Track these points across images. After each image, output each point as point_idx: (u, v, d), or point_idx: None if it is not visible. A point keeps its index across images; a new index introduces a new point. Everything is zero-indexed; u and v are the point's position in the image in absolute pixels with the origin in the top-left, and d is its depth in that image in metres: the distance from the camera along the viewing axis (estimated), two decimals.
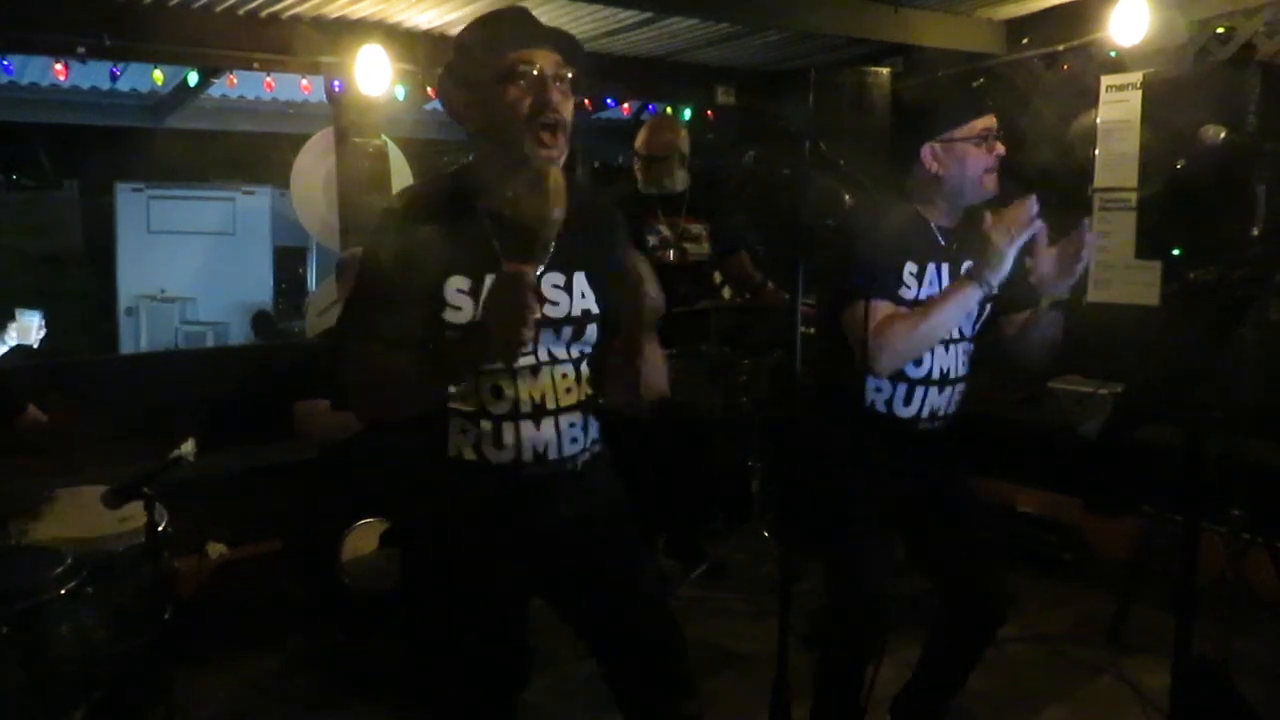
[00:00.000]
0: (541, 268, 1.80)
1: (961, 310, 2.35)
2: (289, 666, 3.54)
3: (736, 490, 4.59)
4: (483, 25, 1.83)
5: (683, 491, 4.36)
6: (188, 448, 2.73)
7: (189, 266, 8.44)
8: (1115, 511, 4.23)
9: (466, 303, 1.78)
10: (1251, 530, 3.33)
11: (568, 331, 1.88)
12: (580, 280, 1.89)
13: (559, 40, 1.82)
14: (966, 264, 2.44)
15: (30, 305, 3.50)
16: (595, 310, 1.91)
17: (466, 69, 1.82)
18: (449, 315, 1.78)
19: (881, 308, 2.32)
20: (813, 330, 2.69)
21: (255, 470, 4.00)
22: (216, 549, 3.68)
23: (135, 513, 2.83)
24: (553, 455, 1.89)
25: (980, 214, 2.44)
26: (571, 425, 1.91)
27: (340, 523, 3.35)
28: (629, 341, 1.85)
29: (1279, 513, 3.38)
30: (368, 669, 3.36)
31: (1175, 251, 2.85)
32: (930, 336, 2.36)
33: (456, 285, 1.79)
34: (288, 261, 8.96)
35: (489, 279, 1.74)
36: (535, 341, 1.83)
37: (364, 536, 3.34)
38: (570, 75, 1.81)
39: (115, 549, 2.93)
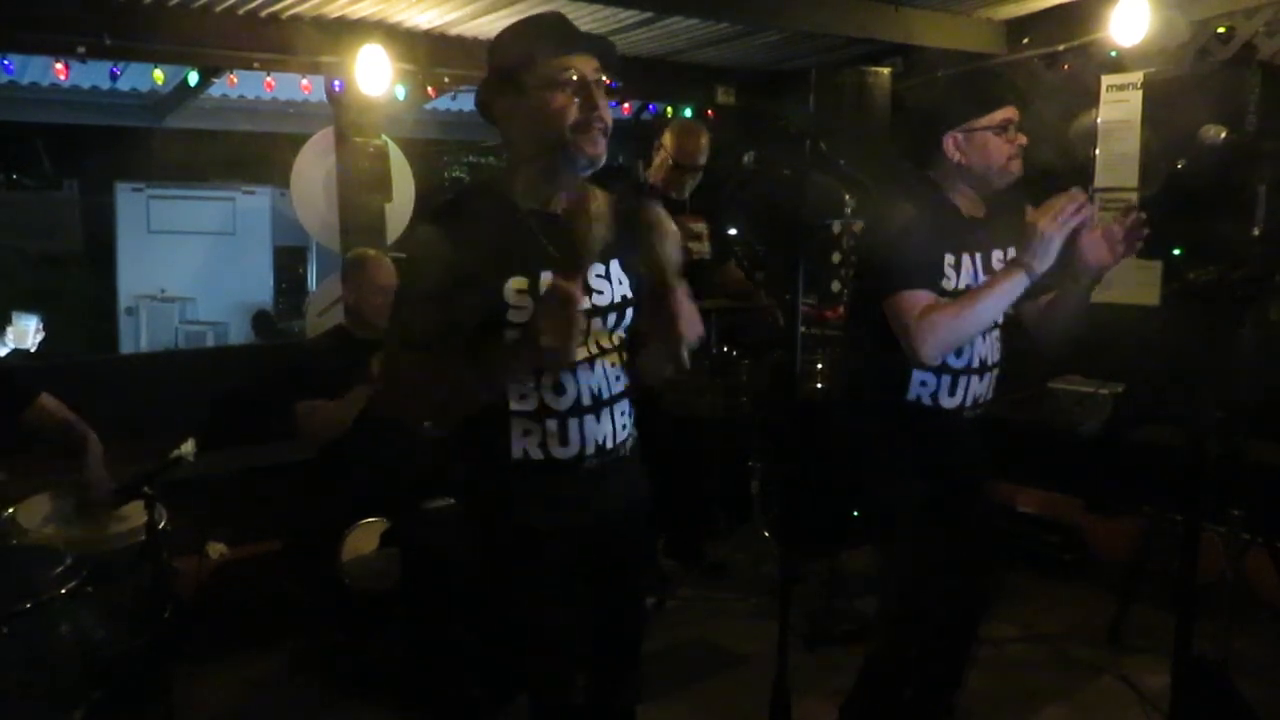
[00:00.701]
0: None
1: (1008, 299, 2.35)
2: (289, 666, 3.54)
3: (736, 490, 4.59)
4: (522, 31, 1.86)
5: (683, 491, 4.36)
6: (188, 448, 2.73)
7: (189, 266, 8.43)
8: (1115, 511, 4.23)
9: (528, 302, 1.83)
10: (1251, 530, 3.33)
11: (613, 319, 1.93)
12: (615, 267, 1.95)
13: (597, 45, 1.85)
14: (996, 253, 2.46)
15: (30, 305, 3.49)
16: (631, 294, 1.97)
17: (506, 75, 1.84)
18: (513, 316, 1.82)
19: (924, 297, 2.33)
20: (813, 330, 2.69)
21: (255, 470, 4.00)
22: (216, 549, 3.68)
23: (135, 512, 2.84)
24: (609, 445, 1.95)
25: (1010, 204, 2.46)
26: (622, 413, 1.98)
27: (340, 523, 3.35)
28: (659, 290, 1.85)
29: (1279, 513, 3.38)
30: (368, 669, 3.36)
31: (1175, 251, 2.85)
32: (976, 325, 2.36)
33: (516, 286, 1.83)
34: (288, 261, 8.96)
35: (544, 276, 1.82)
36: (587, 333, 1.87)
37: (364, 536, 3.34)
38: (606, 79, 1.84)
39: (116, 548, 2.93)
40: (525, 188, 1.89)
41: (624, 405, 1.98)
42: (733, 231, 4.95)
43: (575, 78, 1.80)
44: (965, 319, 2.33)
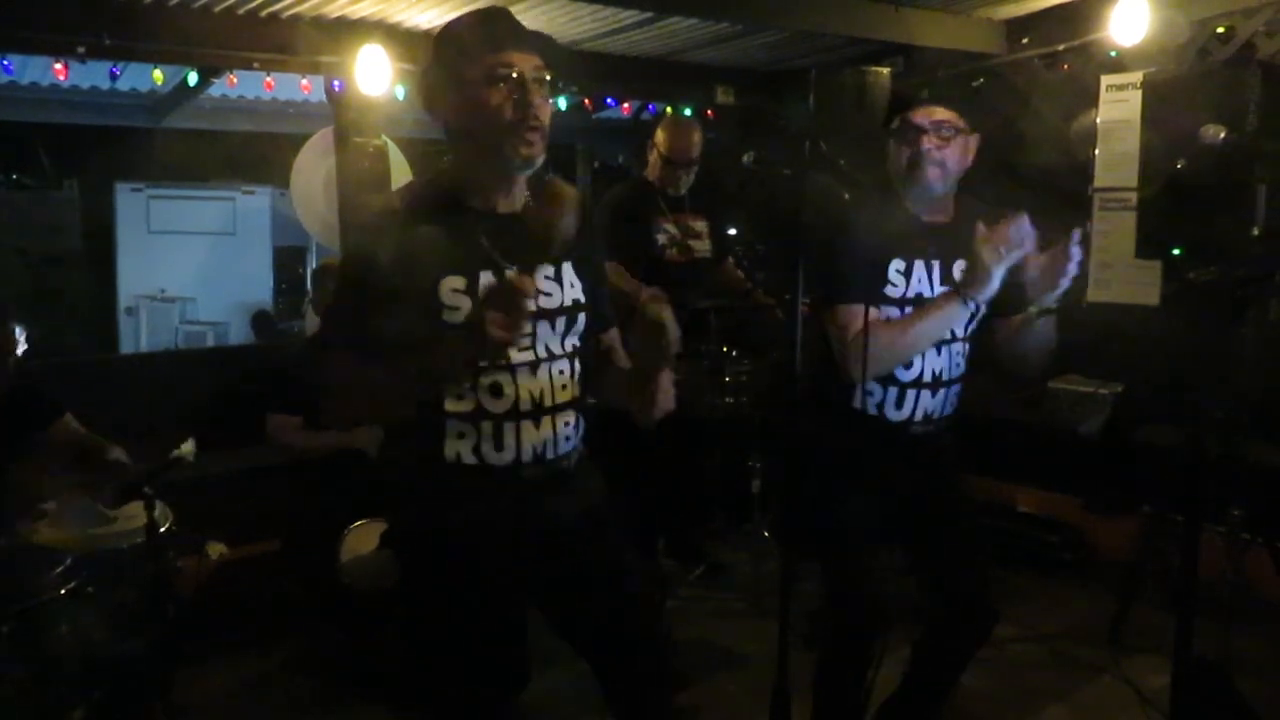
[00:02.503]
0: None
1: (945, 325, 2.33)
2: (289, 666, 3.54)
3: (736, 490, 4.59)
4: (461, 27, 1.83)
5: (683, 491, 4.36)
6: (187, 448, 2.73)
7: (189, 266, 8.43)
8: (1115, 511, 4.23)
9: (464, 302, 1.78)
10: (1251, 530, 3.33)
11: (562, 323, 1.89)
12: (568, 270, 1.91)
13: (538, 42, 1.82)
14: (959, 264, 2.41)
15: (30, 305, 3.49)
16: (584, 300, 1.93)
17: (446, 71, 1.82)
18: (447, 316, 1.78)
19: (859, 313, 2.27)
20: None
21: (255, 470, 4.00)
22: (216, 549, 3.68)
23: (137, 512, 2.84)
24: (549, 455, 1.90)
25: (972, 213, 2.42)
26: (566, 424, 1.92)
27: (340, 523, 3.35)
28: (648, 374, 1.83)
29: (1279, 513, 3.38)
30: (368, 669, 3.36)
31: (1175, 251, 2.85)
32: (911, 348, 2.34)
33: (452, 285, 1.79)
34: (288, 261, 8.96)
35: (483, 277, 1.78)
36: (533, 336, 1.84)
37: (364, 536, 3.34)
38: (548, 77, 1.81)
39: (118, 547, 2.93)
40: (468, 185, 1.87)
41: (569, 415, 1.92)
42: (733, 231, 4.95)
43: (512, 75, 1.77)
44: (897, 344, 2.31)
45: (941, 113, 2.36)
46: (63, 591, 2.59)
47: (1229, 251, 2.64)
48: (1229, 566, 3.25)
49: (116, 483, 2.89)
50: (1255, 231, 2.83)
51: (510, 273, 1.64)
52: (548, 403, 1.88)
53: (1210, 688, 2.56)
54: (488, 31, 1.79)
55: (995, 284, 2.25)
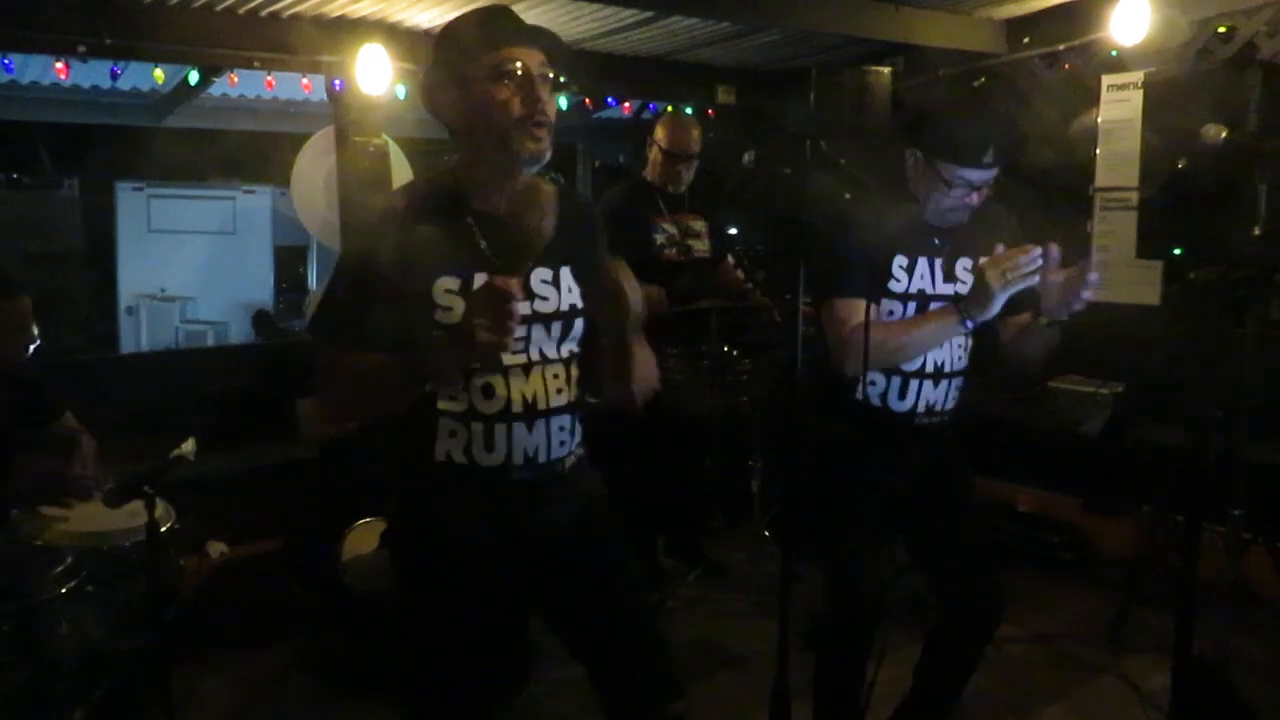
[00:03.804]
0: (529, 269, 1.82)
1: (940, 337, 2.34)
2: (289, 666, 3.54)
3: (736, 490, 4.59)
4: (464, 24, 1.82)
5: (683, 491, 4.36)
6: (188, 447, 2.73)
7: (189, 266, 8.43)
8: (1115, 511, 4.23)
9: (457, 303, 1.77)
10: (1251, 530, 3.33)
11: (557, 328, 1.88)
12: (566, 275, 1.89)
13: (542, 38, 1.82)
14: (964, 261, 2.42)
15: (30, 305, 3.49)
16: (581, 305, 1.91)
17: (450, 68, 1.81)
18: (440, 316, 1.77)
19: (858, 308, 2.27)
20: (812, 329, 2.67)
21: (255, 470, 4.00)
22: (216, 548, 3.69)
23: (138, 512, 2.84)
24: (542, 459, 1.89)
25: (993, 217, 2.43)
26: (561, 428, 1.91)
27: (340, 523, 3.35)
28: (617, 347, 1.83)
29: (1279, 513, 3.38)
30: (368, 669, 3.36)
31: (1176, 251, 2.85)
32: (903, 353, 2.35)
33: (445, 286, 1.78)
34: (288, 261, 8.96)
35: (478, 278, 1.77)
36: (527, 340, 1.84)
37: (364, 536, 3.34)
38: (552, 74, 1.81)
39: (120, 545, 2.93)
40: (471, 184, 1.85)
41: (564, 420, 1.91)
42: (733, 231, 4.95)
43: (519, 71, 1.76)
44: (891, 348, 2.31)
45: (990, 175, 2.36)
46: (63, 591, 2.59)
47: (1229, 251, 2.64)
48: (1229, 566, 3.24)
49: (114, 482, 2.89)
50: (1255, 232, 2.83)
51: (497, 277, 1.61)
52: (541, 406, 1.86)
53: (1210, 688, 2.56)
54: (492, 28, 1.79)
55: (995, 308, 2.24)
